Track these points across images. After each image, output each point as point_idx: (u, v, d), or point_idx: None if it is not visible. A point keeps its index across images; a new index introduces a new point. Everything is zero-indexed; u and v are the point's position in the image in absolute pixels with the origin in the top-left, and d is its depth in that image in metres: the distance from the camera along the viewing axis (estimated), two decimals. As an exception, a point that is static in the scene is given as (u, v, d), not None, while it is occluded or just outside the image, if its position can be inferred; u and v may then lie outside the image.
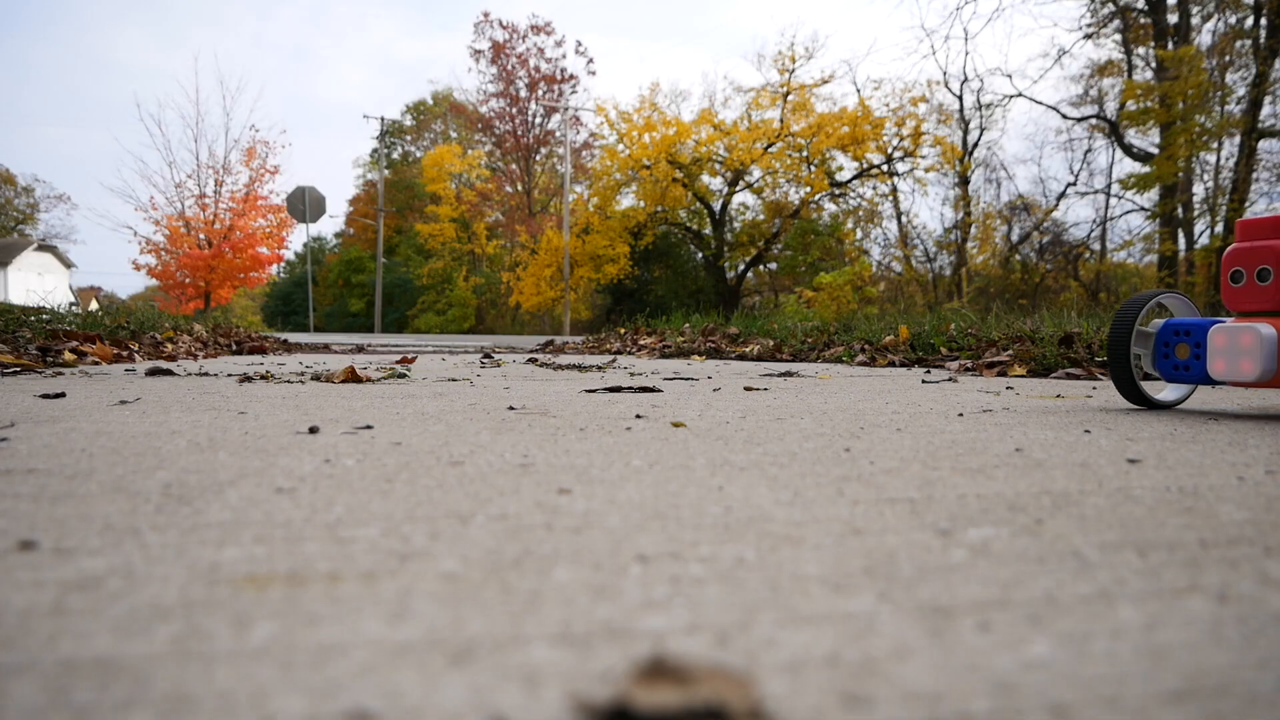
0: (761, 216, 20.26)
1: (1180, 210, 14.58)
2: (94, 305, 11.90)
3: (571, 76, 25.55)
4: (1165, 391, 1.58)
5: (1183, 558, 0.51)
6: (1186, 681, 0.33)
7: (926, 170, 18.66)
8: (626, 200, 20.35)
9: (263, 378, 2.18)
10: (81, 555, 0.49)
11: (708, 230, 20.70)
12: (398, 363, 3.24)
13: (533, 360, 3.82)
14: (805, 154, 18.67)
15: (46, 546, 0.51)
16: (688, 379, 2.37)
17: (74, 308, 5.80)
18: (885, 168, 18.92)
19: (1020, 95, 17.77)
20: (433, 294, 25.71)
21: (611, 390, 1.88)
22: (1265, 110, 13.25)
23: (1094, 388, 2.15)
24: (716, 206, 20.27)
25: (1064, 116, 17.15)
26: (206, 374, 2.38)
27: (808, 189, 19.04)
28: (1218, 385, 1.45)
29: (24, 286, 22.94)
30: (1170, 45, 14.23)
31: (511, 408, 1.44)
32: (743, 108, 20.26)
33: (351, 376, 2.10)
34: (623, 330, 7.27)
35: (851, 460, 0.87)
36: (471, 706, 0.30)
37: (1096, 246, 17.70)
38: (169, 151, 27.11)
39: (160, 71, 55.68)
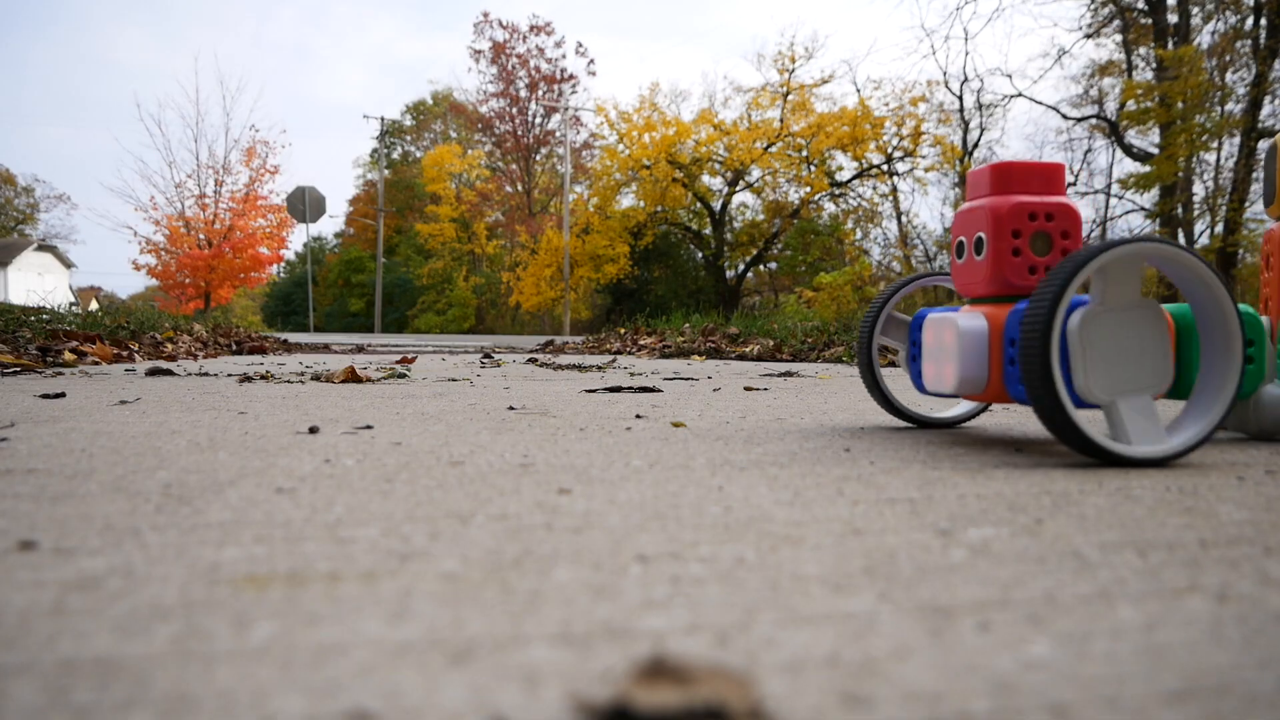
0: (761, 216, 20.25)
1: (1180, 210, 14.57)
2: (94, 305, 11.90)
3: (571, 77, 25.55)
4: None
5: (1183, 558, 0.51)
6: (1186, 681, 0.33)
7: (926, 170, 18.66)
8: (626, 200, 20.34)
9: (263, 378, 2.18)
10: (81, 555, 0.49)
11: (708, 230, 20.69)
12: (398, 363, 3.24)
13: (533, 360, 3.82)
14: (805, 154, 18.66)
15: (46, 546, 0.51)
16: (688, 379, 2.37)
17: (74, 308, 5.80)
18: (885, 168, 18.92)
19: (1020, 95, 17.75)
20: (433, 294, 25.69)
21: (611, 390, 1.88)
22: (1265, 110, 13.25)
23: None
24: (716, 206, 20.26)
25: (1064, 116, 17.14)
26: (206, 374, 2.38)
27: (808, 189, 19.03)
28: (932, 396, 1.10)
29: (24, 286, 22.92)
30: (1170, 45, 14.23)
31: (511, 408, 1.44)
32: (743, 108, 20.25)
33: (351, 376, 2.10)
34: (623, 330, 7.27)
35: (851, 460, 0.87)
36: (471, 707, 0.30)
37: (1096, 246, 17.68)
38: (169, 151, 27.14)
39: (160, 71, 55.67)
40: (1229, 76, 14.19)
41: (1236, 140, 13.85)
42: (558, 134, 24.99)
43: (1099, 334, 0.84)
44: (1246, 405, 1.06)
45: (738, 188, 20.07)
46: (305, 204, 15.99)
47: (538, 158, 26.58)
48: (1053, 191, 0.98)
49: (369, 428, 1.12)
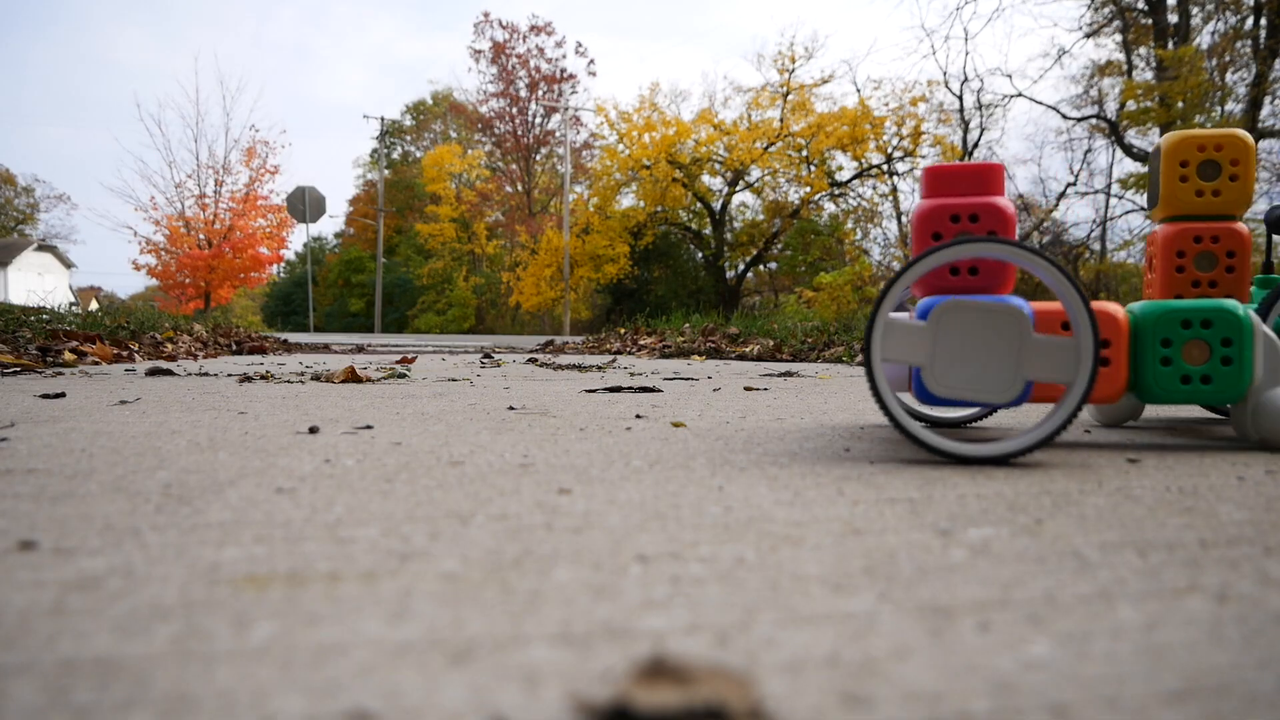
0: (761, 216, 20.24)
1: (1180, 210, 14.53)
2: (94, 305, 11.89)
3: (571, 76, 25.54)
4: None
5: (1183, 558, 0.51)
6: (1186, 681, 0.33)
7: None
8: (626, 200, 20.33)
9: (263, 378, 2.18)
10: (81, 555, 0.49)
11: (708, 230, 20.68)
12: (398, 363, 3.24)
13: (533, 360, 3.82)
14: (805, 154, 18.66)
15: (46, 546, 0.51)
16: (688, 379, 2.37)
17: (74, 308, 5.80)
18: (885, 167, 18.92)
19: (1020, 95, 17.72)
20: (433, 294, 25.68)
21: (611, 390, 1.88)
22: (1265, 110, 13.24)
23: (1094, 388, 2.15)
24: (716, 206, 20.25)
25: (1064, 116, 17.12)
26: (206, 374, 2.38)
27: (807, 189, 19.03)
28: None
29: (24, 286, 22.91)
30: (1170, 45, 14.22)
31: (511, 408, 1.44)
32: (743, 108, 20.24)
33: (351, 376, 2.11)
34: (623, 330, 7.26)
35: (851, 460, 0.87)
36: (471, 707, 0.30)
37: (1096, 246, 17.70)
38: (169, 151, 27.16)
39: (160, 71, 55.60)
40: (1229, 76, 14.18)
41: (1236, 140, 13.81)
42: (558, 134, 24.98)
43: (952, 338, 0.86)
44: (1244, 411, 1.00)
45: (738, 188, 20.07)
46: (305, 204, 15.98)
47: (538, 158, 26.57)
48: (985, 192, 0.96)
49: (369, 428, 1.12)
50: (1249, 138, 1.08)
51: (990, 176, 0.96)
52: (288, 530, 0.55)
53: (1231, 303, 0.95)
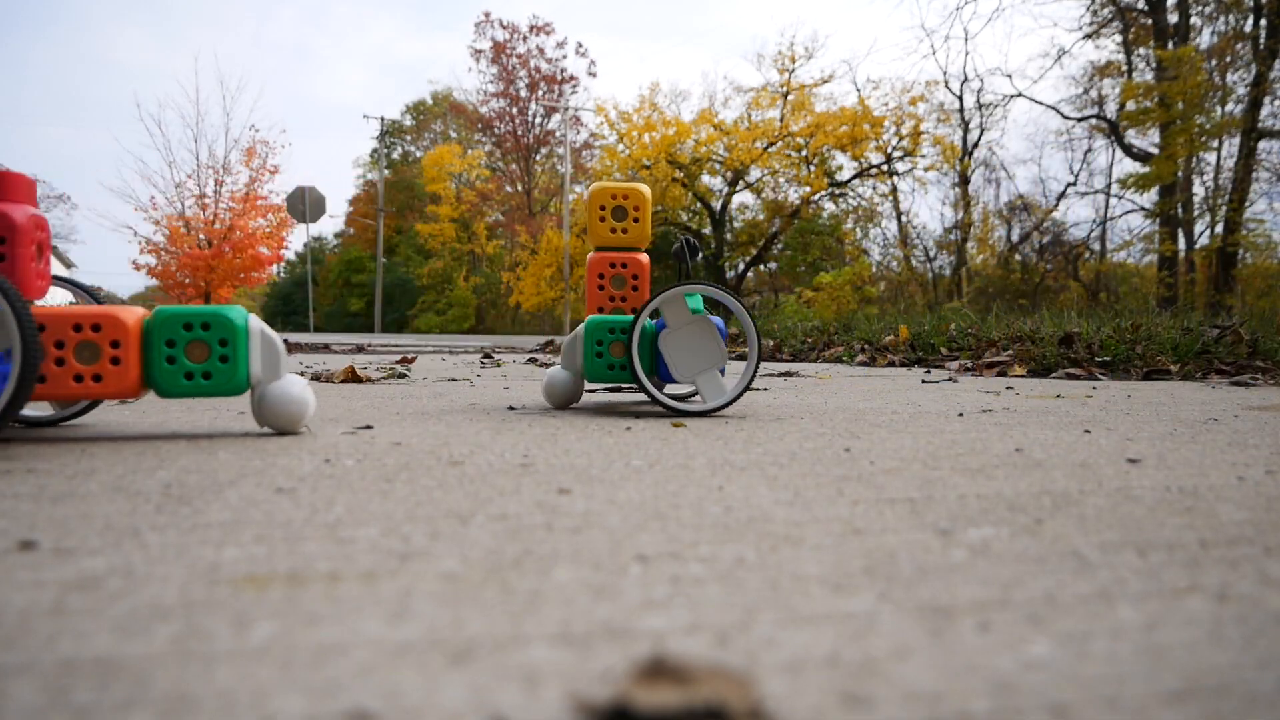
0: (761, 216, 20.24)
1: (1180, 210, 14.56)
2: (94, 305, 11.84)
3: (572, 77, 25.53)
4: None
5: (1183, 558, 0.51)
6: (1186, 681, 0.33)
7: (926, 170, 18.63)
8: (626, 200, 20.31)
9: (263, 378, 2.17)
10: (81, 555, 0.49)
11: (708, 230, 20.68)
12: (398, 363, 3.24)
13: (533, 360, 3.82)
14: (805, 154, 18.66)
15: (46, 546, 0.51)
16: (688, 379, 2.37)
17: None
18: (885, 167, 18.91)
19: (1020, 95, 17.72)
20: (433, 294, 25.69)
21: (611, 389, 1.88)
22: (1265, 110, 13.24)
23: (1094, 388, 2.15)
24: (716, 206, 20.25)
25: (1064, 116, 17.11)
26: (206, 374, 2.38)
27: (807, 189, 19.03)
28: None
29: (24, 286, 22.85)
30: (1170, 45, 14.21)
31: (511, 408, 1.44)
32: (742, 108, 20.23)
33: (351, 376, 2.10)
34: (623, 330, 7.23)
35: (851, 460, 0.87)
36: (471, 706, 0.30)
37: (1096, 246, 17.69)
38: (169, 151, 27.05)
39: (160, 71, 55.40)
40: (1229, 77, 14.19)
41: (1236, 140, 13.85)
42: (558, 134, 24.98)
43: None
44: (253, 402, 1.06)
45: (738, 188, 20.06)
46: (305, 204, 15.97)
47: (538, 158, 26.57)
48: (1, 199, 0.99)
49: (369, 428, 1.12)
50: (646, 191, 1.42)
51: (8, 183, 1.00)
52: (288, 530, 0.55)
53: (230, 308, 1.03)
